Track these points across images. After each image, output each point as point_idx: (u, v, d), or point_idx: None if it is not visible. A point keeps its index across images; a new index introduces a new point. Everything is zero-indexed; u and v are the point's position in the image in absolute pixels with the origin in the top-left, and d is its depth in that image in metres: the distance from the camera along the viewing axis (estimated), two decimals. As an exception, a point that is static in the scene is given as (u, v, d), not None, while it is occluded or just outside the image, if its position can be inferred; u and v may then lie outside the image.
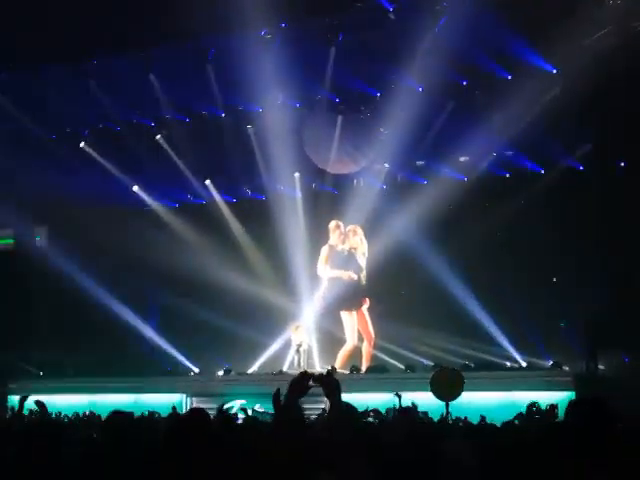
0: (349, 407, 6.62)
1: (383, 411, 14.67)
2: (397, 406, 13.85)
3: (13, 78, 24.20)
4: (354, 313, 23.12)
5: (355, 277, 23.27)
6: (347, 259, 23.38)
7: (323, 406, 15.39)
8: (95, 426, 11.32)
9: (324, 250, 23.55)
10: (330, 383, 5.99)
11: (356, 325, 23.01)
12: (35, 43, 21.12)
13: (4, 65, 23.15)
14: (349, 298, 23.13)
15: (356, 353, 22.99)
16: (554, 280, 23.75)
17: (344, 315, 23.06)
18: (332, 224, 23.62)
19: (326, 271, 23.52)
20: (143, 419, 7.87)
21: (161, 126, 26.34)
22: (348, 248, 23.37)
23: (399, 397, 14.24)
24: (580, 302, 22.13)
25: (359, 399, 6.46)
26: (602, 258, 22.67)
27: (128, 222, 25.48)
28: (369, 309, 23.37)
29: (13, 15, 20.63)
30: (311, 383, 5.87)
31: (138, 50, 22.88)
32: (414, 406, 13.73)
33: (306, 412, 7.08)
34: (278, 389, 5.88)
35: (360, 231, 23.51)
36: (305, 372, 5.94)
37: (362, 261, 23.37)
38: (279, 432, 5.63)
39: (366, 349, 23.10)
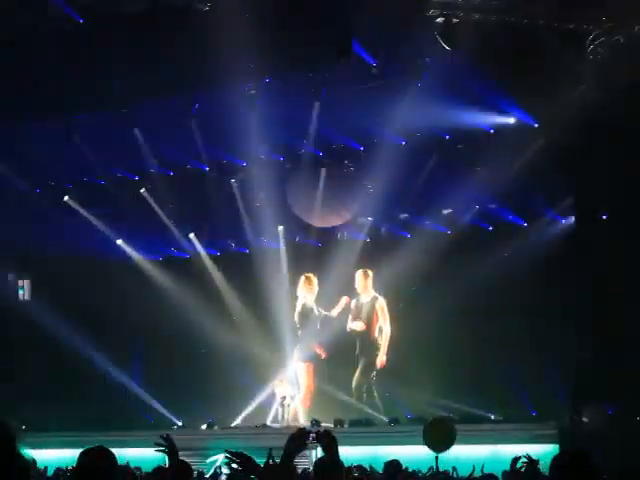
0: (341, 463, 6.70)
1: (367, 466, 14.56)
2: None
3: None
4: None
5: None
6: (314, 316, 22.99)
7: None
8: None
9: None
10: (329, 440, 6.06)
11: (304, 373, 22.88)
12: (19, 96, 21.19)
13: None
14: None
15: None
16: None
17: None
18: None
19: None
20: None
21: (145, 180, 26.32)
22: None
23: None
24: (564, 354, 22.14)
25: (342, 453, 6.43)
26: (586, 310, 22.71)
27: (112, 275, 25.46)
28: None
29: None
30: (310, 439, 5.93)
31: (122, 104, 22.89)
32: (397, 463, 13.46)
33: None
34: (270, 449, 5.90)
35: (313, 280, 22.96)
36: (303, 429, 6.01)
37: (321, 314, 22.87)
38: None
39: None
